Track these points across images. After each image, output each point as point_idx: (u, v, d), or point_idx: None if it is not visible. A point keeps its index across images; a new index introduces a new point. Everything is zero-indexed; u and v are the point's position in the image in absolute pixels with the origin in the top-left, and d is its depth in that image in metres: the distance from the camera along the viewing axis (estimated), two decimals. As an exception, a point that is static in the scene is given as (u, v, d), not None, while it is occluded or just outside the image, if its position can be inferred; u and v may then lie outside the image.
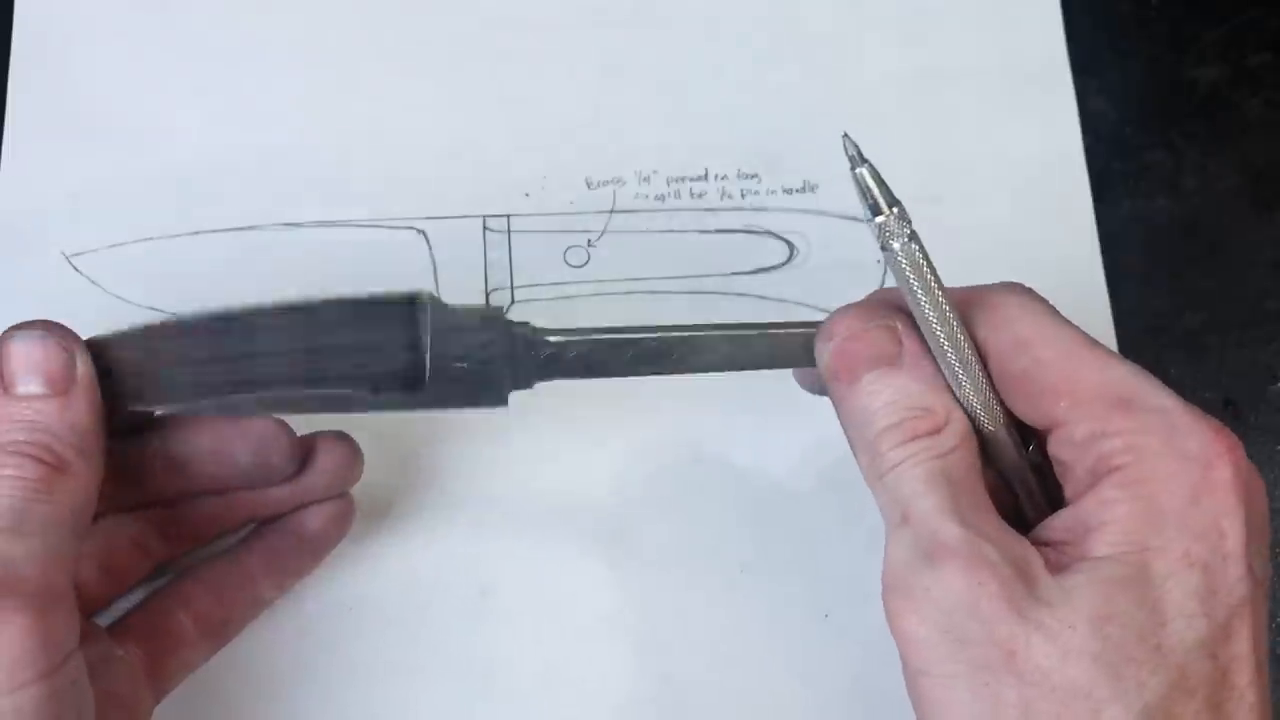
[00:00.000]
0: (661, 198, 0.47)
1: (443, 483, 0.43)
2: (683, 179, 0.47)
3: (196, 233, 0.46)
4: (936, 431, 0.32)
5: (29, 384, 0.34)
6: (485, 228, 0.46)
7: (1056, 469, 0.33)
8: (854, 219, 0.47)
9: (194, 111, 0.48)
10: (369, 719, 0.41)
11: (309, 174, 0.47)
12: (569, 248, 0.46)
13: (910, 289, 0.32)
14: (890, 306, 0.34)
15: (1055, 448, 0.32)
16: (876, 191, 0.31)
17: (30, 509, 0.32)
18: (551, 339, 0.36)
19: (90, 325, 0.42)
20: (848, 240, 0.46)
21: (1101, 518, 0.30)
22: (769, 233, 0.47)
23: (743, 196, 0.47)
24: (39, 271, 0.45)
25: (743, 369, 0.37)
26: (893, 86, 0.48)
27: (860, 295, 0.45)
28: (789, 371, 0.38)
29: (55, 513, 0.33)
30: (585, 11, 0.49)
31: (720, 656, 0.42)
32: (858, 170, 0.31)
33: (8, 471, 0.33)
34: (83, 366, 0.35)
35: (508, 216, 0.47)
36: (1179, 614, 0.29)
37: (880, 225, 0.31)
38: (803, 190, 0.47)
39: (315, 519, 0.40)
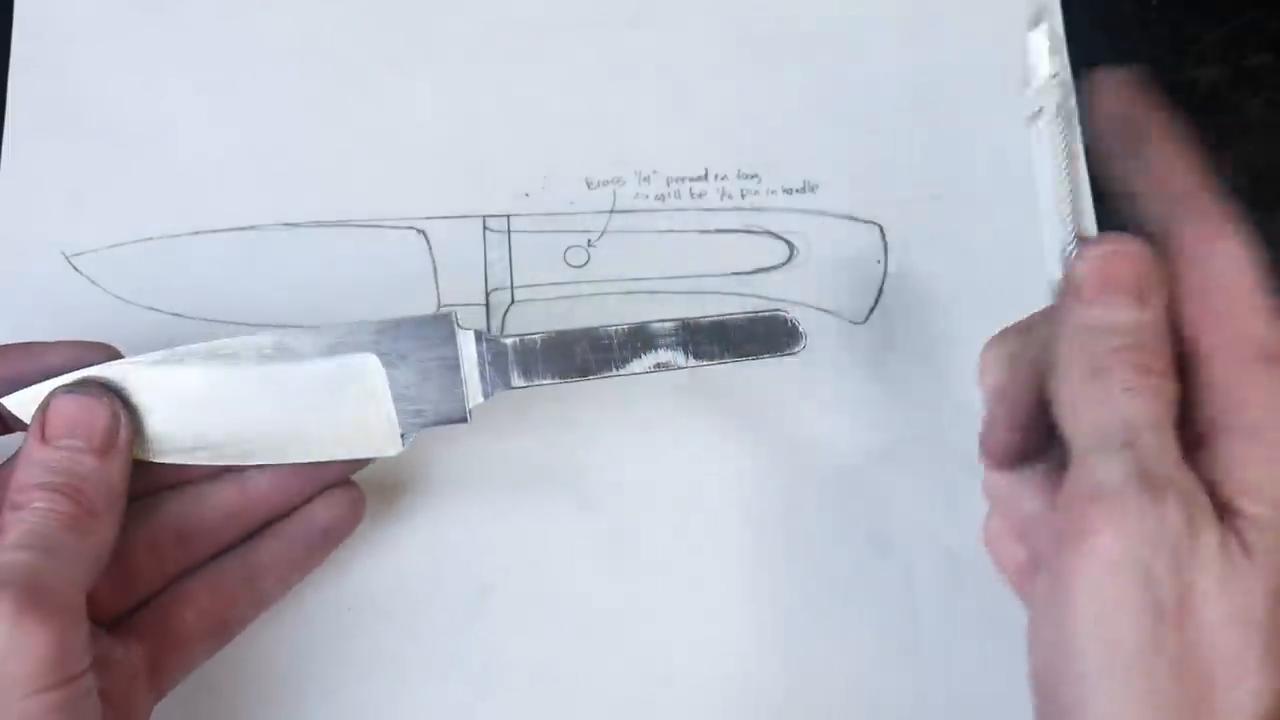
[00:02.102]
0: (661, 197, 0.47)
1: (443, 482, 0.43)
2: (682, 179, 0.47)
3: (196, 232, 0.46)
4: (1163, 374, 0.32)
5: (69, 441, 0.36)
6: (485, 227, 0.46)
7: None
8: (853, 219, 0.47)
9: (194, 111, 0.48)
10: (369, 718, 0.41)
11: (309, 174, 0.47)
12: (569, 248, 0.46)
13: (1054, 154, 0.31)
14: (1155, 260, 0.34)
15: (1213, 369, 0.32)
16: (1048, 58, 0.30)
17: (59, 536, 0.34)
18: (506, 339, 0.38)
19: (90, 325, 0.42)
20: (848, 240, 0.46)
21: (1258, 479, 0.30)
22: (769, 233, 0.47)
23: (742, 196, 0.47)
24: (39, 271, 0.45)
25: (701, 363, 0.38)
26: (893, 86, 0.48)
27: (860, 294, 0.46)
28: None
29: (81, 547, 0.35)
30: (585, 12, 0.49)
31: (720, 656, 0.42)
32: (1034, 30, 0.30)
33: (40, 504, 0.34)
34: (125, 432, 0.37)
35: (508, 216, 0.47)
36: None
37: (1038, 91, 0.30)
38: (802, 190, 0.47)
39: (324, 511, 0.40)
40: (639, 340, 0.38)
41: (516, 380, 0.38)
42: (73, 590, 0.34)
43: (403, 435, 0.38)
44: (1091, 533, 0.30)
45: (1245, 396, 0.31)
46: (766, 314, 0.37)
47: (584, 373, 0.38)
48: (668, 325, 0.38)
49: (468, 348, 0.38)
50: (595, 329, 0.38)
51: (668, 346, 0.37)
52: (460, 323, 0.38)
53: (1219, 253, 0.32)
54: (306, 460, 0.39)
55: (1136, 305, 0.32)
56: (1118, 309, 0.32)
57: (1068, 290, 0.33)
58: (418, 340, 0.38)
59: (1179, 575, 0.30)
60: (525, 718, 0.42)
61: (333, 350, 0.38)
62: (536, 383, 0.38)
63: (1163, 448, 0.31)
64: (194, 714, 0.41)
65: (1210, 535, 0.30)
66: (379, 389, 0.38)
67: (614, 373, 0.38)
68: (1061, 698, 0.30)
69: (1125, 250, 0.33)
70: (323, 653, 0.42)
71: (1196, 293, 0.32)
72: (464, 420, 0.39)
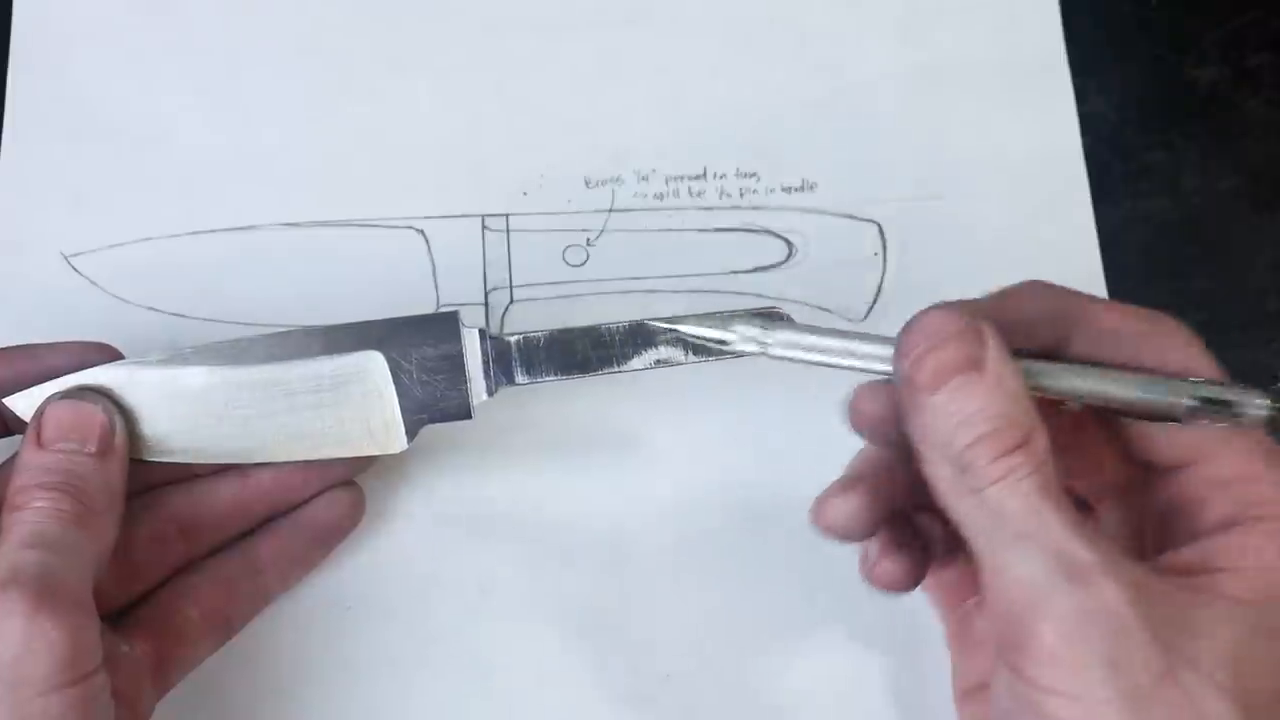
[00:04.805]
0: (660, 196, 0.47)
1: (442, 481, 0.43)
2: (681, 178, 0.47)
3: (196, 232, 0.46)
4: (1027, 443, 0.30)
5: (66, 444, 0.36)
6: (484, 227, 0.46)
7: (1175, 504, 0.32)
8: (852, 217, 0.47)
9: (194, 111, 0.48)
10: (368, 717, 0.41)
11: (308, 174, 0.47)
12: (568, 247, 0.46)
13: None
14: (973, 309, 0.32)
15: (1187, 484, 0.32)
16: None
17: (64, 533, 0.34)
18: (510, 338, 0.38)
19: (89, 325, 0.43)
20: (846, 238, 0.46)
21: (1239, 562, 0.30)
22: (767, 231, 0.47)
23: (741, 195, 0.47)
24: (38, 271, 0.45)
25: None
26: (891, 85, 0.48)
27: (858, 293, 0.46)
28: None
29: (85, 544, 0.35)
30: (584, 11, 0.49)
31: (719, 655, 0.42)
32: None
33: (41, 504, 0.34)
34: (120, 436, 0.37)
35: (506, 216, 0.47)
36: None
37: None
38: (801, 189, 0.47)
39: (326, 509, 0.41)
40: (639, 337, 0.38)
41: (520, 377, 0.39)
42: (82, 587, 0.34)
43: (407, 433, 0.39)
44: (1032, 638, 0.28)
45: (1259, 492, 0.31)
46: (763, 310, 0.37)
47: (585, 369, 0.38)
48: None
49: (472, 345, 0.39)
50: (596, 326, 0.38)
51: (667, 343, 0.37)
52: (464, 321, 0.39)
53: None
54: (311, 458, 0.39)
55: (966, 378, 0.30)
56: (958, 396, 0.30)
57: (904, 387, 0.31)
58: (423, 338, 0.39)
59: (1149, 654, 0.28)
60: (525, 717, 0.42)
61: (337, 349, 0.38)
62: (539, 379, 0.38)
63: (1066, 525, 0.29)
64: (193, 713, 0.40)
65: (1162, 604, 0.28)
66: (384, 387, 0.38)
67: (615, 369, 0.38)
68: None
69: (944, 330, 0.31)
70: (322, 652, 0.42)
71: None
72: (468, 417, 0.39)
